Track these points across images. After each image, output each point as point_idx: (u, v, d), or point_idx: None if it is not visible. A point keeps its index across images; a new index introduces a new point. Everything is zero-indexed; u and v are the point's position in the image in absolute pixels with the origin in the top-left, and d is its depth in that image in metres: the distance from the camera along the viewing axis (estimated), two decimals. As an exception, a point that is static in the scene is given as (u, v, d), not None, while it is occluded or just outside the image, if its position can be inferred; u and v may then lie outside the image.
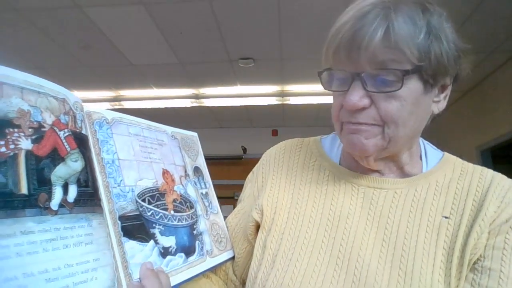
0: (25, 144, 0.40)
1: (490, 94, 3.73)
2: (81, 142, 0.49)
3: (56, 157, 0.43)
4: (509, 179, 0.64)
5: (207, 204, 0.73)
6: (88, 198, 0.46)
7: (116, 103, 4.69)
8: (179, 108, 4.88)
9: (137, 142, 0.61)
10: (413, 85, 0.56)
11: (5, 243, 0.35)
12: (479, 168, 0.66)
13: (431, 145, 0.73)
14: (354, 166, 0.69)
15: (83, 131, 0.50)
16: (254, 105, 4.82)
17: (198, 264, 0.62)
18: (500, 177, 0.64)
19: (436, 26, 0.56)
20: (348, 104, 0.58)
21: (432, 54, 0.55)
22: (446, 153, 0.71)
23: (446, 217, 0.61)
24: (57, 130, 0.44)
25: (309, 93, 4.32)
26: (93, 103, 4.52)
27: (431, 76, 0.57)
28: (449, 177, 0.65)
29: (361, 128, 0.59)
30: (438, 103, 0.63)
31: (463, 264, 0.57)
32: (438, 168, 0.67)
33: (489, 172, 0.65)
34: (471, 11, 2.65)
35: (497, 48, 3.19)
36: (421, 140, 0.71)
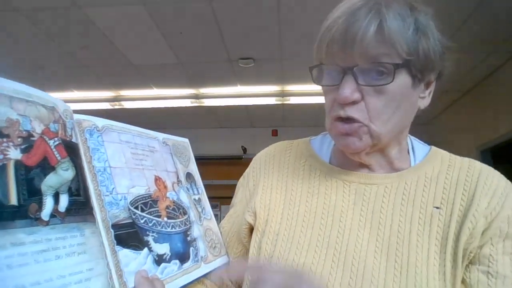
0: (14, 153, 0.39)
1: (490, 94, 3.72)
2: (71, 150, 0.48)
3: (46, 166, 0.42)
4: (496, 171, 0.66)
5: (200, 210, 0.73)
6: (80, 207, 0.46)
7: (116, 103, 4.68)
8: (179, 108, 4.87)
9: (128, 149, 0.61)
10: (402, 80, 0.58)
11: None
12: (467, 160, 0.67)
13: (418, 140, 0.74)
14: (345, 164, 0.70)
15: (74, 139, 0.50)
16: (254, 105, 4.81)
17: (193, 271, 0.62)
18: (487, 169, 0.65)
19: (423, 23, 0.58)
20: (340, 98, 0.59)
21: (420, 49, 0.57)
22: (433, 147, 0.72)
23: (437, 208, 0.62)
24: (46, 139, 0.44)
25: (309, 93, 4.31)
26: (93, 103, 4.52)
27: (419, 71, 0.59)
28: (437, 170, 0.66)
29: (349, 131, 0.61)
30: (424, 99, 0.65)
31: (458, 252, 0.58)
32: (426, 162, 0.68)
33: (477, 164, 0.66)
34: (471, 11, 2.64)
35: (497, 48, 3.18)
36: (408, 135, 0.72)
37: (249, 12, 2.78)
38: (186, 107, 4.83)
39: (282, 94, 4.46)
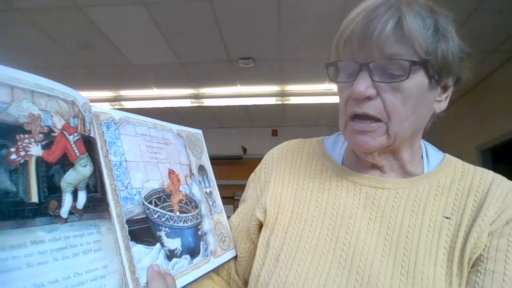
0: (36, 150, 0.39)
1: (490, 94, 3.73)
2: (89, 145, 0.47)
3: (66, 162, 0.42)
4: (509, 181, 0.65)
5: (211, 203, 0.73)
6: (97, 203, 0.45)
7: (116, 103, 4.69)
8: (179, 108, 4.87)
9: (143, 142, 0.60)
10: (419, 79, 0.58)
11: (16, 254, 0.34)
12: (480, 170, 0.67)
13: (432, 146, 0.73)
14: (357, 166, 0.70)
15: (92, 134, 0.49)
16: (254, 105, 4.82)
17: (202, 265, 0.62)
18: (500, 179, 0.65)
19: (443, 26, 0.58)
20: (354, 93, 0.59)
21: (439, 50, 0.57)
22: (447, 155, 0.71)
23: (447, 218, 0.62)
24: (66, 135, 0.43)
25: (309, 93, 4.32)
26: (93, 103, 4.49)
27: (436, 73, 0.59)
28: (450, 178, 0.66)
29: (366, 129, 0.60)
30: (440, 102, 0.65)
31: (463, 262, 0.58)
32: (439, 169, 0.68)
33: (490, 174, 0.66)
34: (471, 10, 2.65)
35: (497, 48, 3.19)
36: (422, 141, 0.72)
37: (249, 12, 2.78)
38: (186, 107, 4.83)
39: (282, 94, 4.46)
